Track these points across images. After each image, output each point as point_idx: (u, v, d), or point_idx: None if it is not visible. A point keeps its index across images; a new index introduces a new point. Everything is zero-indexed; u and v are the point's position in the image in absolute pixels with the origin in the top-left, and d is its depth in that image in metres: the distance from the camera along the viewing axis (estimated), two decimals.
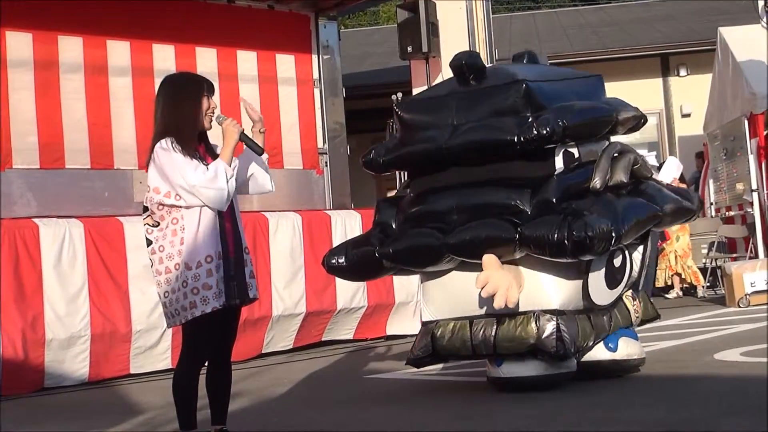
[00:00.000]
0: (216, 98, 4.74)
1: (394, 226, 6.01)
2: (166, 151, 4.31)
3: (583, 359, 5.78)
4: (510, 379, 5.67)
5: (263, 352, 8.89)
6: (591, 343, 5.69)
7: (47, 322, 7.60)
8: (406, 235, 5.83)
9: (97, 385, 7.68)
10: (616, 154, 5.60)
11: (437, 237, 5.61)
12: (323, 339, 9.44)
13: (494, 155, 5.64)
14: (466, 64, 5.87)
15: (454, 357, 6.05)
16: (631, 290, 6.07)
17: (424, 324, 6.05)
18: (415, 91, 11.61)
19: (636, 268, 5.95)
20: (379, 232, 6.04)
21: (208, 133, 4.60)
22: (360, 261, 6.00)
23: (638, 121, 6.16)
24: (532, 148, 5.50)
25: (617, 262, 5.71)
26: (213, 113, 4.48)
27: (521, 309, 5.53)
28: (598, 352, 5.81)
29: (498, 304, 5.33)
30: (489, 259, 5.39)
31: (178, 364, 4.53)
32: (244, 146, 4.57)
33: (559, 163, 5.61)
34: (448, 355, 5.95)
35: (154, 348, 8.17)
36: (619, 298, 5.90)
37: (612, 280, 5.70)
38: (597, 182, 5.46)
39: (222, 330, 4.48)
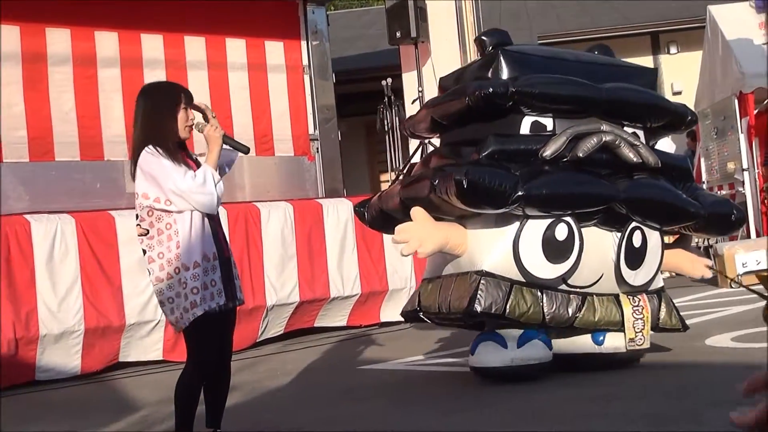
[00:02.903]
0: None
1: None
2: (155, 157, 4.36)
3: (569, 352, 5.83)
4: (478, 368, 5.84)
5: (257, 340, 8.93)
6: (536, 322, 5.64)
7: (41, 318, 7.63)
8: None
9: (89, 378, 7.71)
10: (586, 132, 5.63)
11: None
12: (316, 325, 9.48)
13: (462, 118, 5.96)
14: (480, 40, 6.17)
15: (432, 315, 6.20)
16: (641, 293, 5.91)
17: (422, 280, 6.37)
18: (405, 75, 11.64)
19: (609, 254, 5.75)
20: None
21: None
22: (376, 214, 6.44)
23: (677, 118, 6.17)
24: (482, 110, 5.73)
25: (560, 234, 5.61)
26: (192, 124, 4.55)
27: (466, 269, 5.71)
28: (585, 345, 5.86)
29: (404, 251, 5.60)
30: (415, 212, 5.65)
31: (182, 374, 4.54)
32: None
33: (525, 129, 5.75)
34: (426, 312, 6.13)
35: (144, 338, 8.20)
36: (568, 277, 5.68)
37: (553, 253, 5.61)
38: (547, 151, 5.54)
39: (220, 335, 4.54)
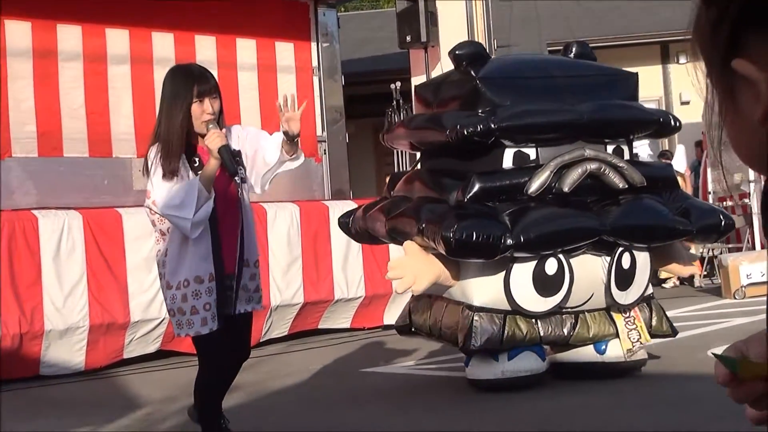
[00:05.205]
0: None
1: None
2: (152, 163, 4.13)
3: (572, 360, 5.84)
4: (472, 380, 5.88)
5: (260, 340, 8.94)
6: (534, 344, 5.72)
7: (46, 313, 7.65)
8: None
9: (93, 374, 7.71)
10: (570, 163, 5.59)
11: None
12: (319, 327, 9.49)
13: (441, 149, 5.98)
14: (454, 54, 6.10)
15: (423, 333, 6.27)
16: (630, 310, 5.89)
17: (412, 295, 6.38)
18: (414, 79, 11.65)
19: (598, 275, 5.72)
20: None
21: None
22: (361, 230, 6.59)
23: (661, 127, 6.15)
24: (466, 145, 5.69)
25: (550, 269, 5.60)
26: (209, 119, 4.14)
27: (457, 298, 5.75)
28: (588, 354, 5.86)
29: (397, 288, 5.70)
30: (408, 246, 5.64)
31: (196, 380, 4.45)
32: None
33: (507, 162, 5.70)
34: (418, 329, 6.24)
35: (148, 335, 8.21)
36: (559, 306, 5.71)
37: (544, 288, 5.61)
38: (532, 187, 5.52)
39: (228, 340, 4.34)
